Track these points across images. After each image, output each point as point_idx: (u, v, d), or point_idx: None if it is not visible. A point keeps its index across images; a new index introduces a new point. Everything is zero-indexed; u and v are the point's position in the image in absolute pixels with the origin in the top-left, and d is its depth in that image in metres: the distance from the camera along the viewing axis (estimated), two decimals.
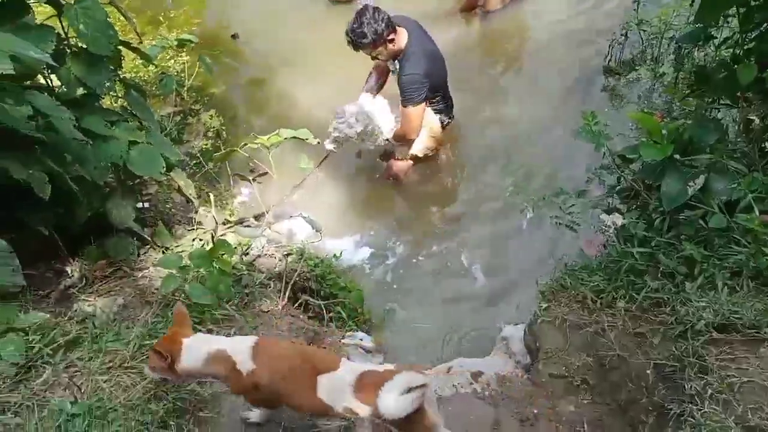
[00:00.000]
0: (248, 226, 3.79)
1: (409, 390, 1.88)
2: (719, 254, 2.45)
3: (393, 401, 1.89)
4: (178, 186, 3.41)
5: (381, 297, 3.83)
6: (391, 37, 3.95)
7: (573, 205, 3.01)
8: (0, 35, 2.11)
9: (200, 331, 2.61)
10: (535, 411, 2.57)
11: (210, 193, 4.02)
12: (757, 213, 2.37)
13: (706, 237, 2.52)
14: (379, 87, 4.40)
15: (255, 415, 2.35)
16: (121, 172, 3.00)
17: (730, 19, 3.00)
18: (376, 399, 1.91)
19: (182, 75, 5.16)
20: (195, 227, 3.61)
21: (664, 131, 2.64)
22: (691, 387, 2.17)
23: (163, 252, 3.26)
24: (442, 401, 2.61)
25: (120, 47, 2.81)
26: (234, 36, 5.80)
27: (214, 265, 2.81)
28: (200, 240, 3.42)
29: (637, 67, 4.90)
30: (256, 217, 3.91)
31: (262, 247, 3.44)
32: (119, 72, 2.96)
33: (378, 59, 4.14)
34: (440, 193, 4.56)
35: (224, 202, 4.17)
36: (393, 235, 4.24)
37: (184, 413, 2.34)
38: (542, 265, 3.55)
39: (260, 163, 4.15)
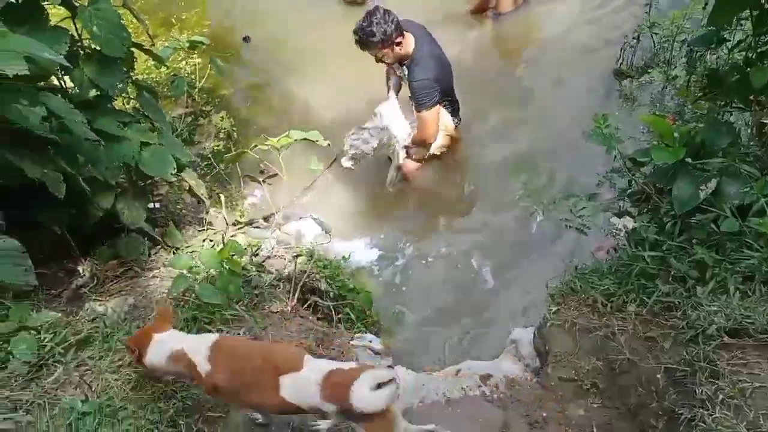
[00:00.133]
0: (258, 227, 3.81)
1: (379, 385, 1.90)
2: (731, 258, 2.42)
3: (368, 396, 1.90)
4: (189, 187, 3.44)
5: (390, 299, 3.84)
6: (398, 40, 3.95)
7: (584, 208, 2.99)
8: (15, 37, 2.13)
9: (210, 331, 2.63)
10: (545, 414, 2.57)
11: (221, 194, 4.05)
12: None
13: (718, 241, 2.49)
14: (400, 87, 4.40)
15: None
16: (132, 172, 3.02)
17: (743, 22, 2.98)
18: (348, 396, 1.91)
19: (193, 77, 5.20)
20: (205, 228, 3.64)
21: (675, 134, 2.62)
22: (702, 392, 2.15)
23: (174, 252, 3.28)
24: (450, 404, 2.61)
25: (133, 49, 2.83)
26: (245, 39, 5.81)
27: (224, 265, 2.83)
28: (211, 241, 3.44)
29: (649, 70, 4.87)
30: (266, 218, 3.93)
31: (272, 248, 3.45)
32: (132, 74, 2.98)
33: (383, 62, 4.14)
34: (450, 196, 4.55)
35: (235, 203, 4.20)
36: (402, 237, 4.24)
37: (194, 412, 2.36)
38: (552, 268, 3.53)
39: (271, 164, 4.16)
